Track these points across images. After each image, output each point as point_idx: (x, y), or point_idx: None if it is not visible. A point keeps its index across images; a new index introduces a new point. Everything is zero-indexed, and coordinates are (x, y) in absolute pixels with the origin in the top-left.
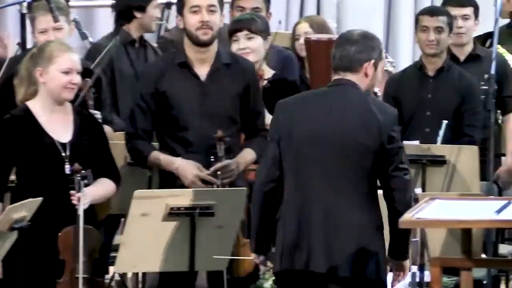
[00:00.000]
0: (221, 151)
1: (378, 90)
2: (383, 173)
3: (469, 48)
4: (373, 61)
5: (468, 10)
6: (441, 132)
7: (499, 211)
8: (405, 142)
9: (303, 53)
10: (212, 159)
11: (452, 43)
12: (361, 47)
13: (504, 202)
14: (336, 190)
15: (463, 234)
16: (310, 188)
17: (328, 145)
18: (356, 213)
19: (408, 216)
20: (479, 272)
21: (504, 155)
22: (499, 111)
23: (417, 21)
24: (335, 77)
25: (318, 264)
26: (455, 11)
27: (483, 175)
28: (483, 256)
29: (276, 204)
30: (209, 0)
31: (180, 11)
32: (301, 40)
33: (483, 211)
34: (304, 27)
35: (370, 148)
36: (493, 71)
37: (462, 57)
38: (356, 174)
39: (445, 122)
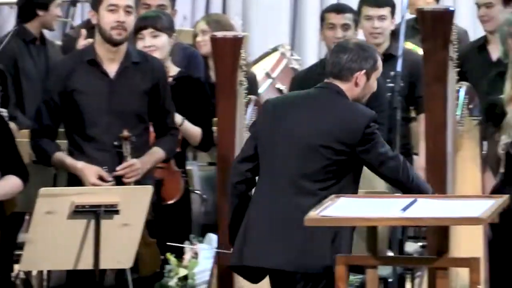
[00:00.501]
0: (127, 151)
1: (285, 87)
2: (373, 171)
3: (384, 48)
4: (364, 71)
5: (385, 11)
6: None
7: (405, 208)
8: None
9: (202, 51)
10: (118, 159)
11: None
12: (354, 56)
13: (410, 200)
14: (304, 189)
15: (369, 232)
16: (277, 185)
17: (300, 145)
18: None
19: (314, 214)
20: (385, 270)
21: (416, 154)
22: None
23: (322, 18)
24: (325, 80)
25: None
26: (371, 11)
27: None
28: (389, 254)
29: (245, 198)
30: (127, 1)
31: (95, 7)
32: (199, 38)
33: (389, 208)
34: (201, 25)
35: (343, 152)
36: (399, 68)
37: None
38: (327, 175)
39: None
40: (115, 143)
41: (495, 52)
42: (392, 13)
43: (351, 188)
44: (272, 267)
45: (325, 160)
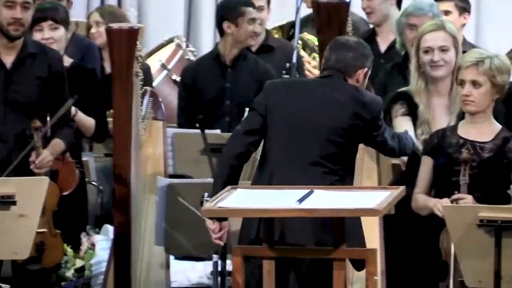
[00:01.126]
0: (38, 141)
1: (178, 78)
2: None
3: (261, 39)
4: (366, 69)
5: (262, 1)
6: None
7: (301, 200)
8: (206, 131)
9: (96, 42)
10: (29, 149)
11: None
12: (358, 54)
13: (306, 191)
14: (325, 169)
15: (265, 223)
16: (296, 164)
17: (322, 128)
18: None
19: (210, 205)
20: None
21: None
22: None
23: None
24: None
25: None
26: None
27: None
28: None
29: (239, 171)
30: None
31: None
32: (93, 30)
33: (285, 200)
34: (95, 17)
35: (357, 135)
36: (294, 60)
37: (254, 48)
38: (344, 156)
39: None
40: (27, 132)
41: (383, 43)
42: (268, 3)
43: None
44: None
45: (343, 143)
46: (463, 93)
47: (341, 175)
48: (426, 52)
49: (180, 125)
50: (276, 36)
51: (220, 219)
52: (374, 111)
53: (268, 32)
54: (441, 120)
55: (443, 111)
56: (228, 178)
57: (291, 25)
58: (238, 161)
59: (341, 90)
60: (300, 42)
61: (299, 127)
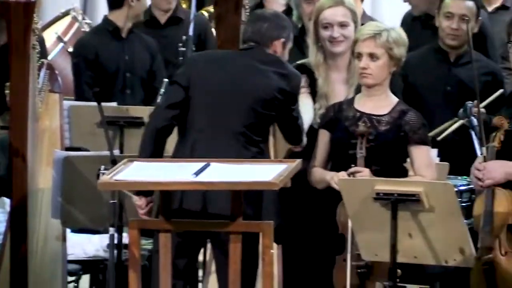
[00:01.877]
0: None
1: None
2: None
3: (171, 11)
4: (283, 39)
5: None
6: (163, 91)
7: (197, 173)
8: (103, 104)
9: None
10: None
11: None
12: (273, 25)
13: (202, 164)
14: (248, 141)
15: (162, 196)
16: (219, 135)
17: (244, 99)
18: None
19: (107, 178)
20: None
21: None
22: None
23: None
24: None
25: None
26: None
27: None
28: None
29: (162, 144)
30: None
31: None
32: None
33: (181, 173)
34: None
35: (278, 106)
36: (191, 32)
37: (163, 19)
38: (265, 128)
39: (166, 81)
40: None
41: None
42: None
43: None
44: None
45: (264, 115)
46: (360, 66)
47: (261, 147)
48: (325, 28)
49: (86, 100)
50: (184, 6)
51: (146, 194)
52: (294, 84)
53: (178, 4)
54: (339, 94)
55: (341, 85)
56: (152, 153)
57: None
58: (161, 135)
59: (264, 61)
60: (206, 14)
61: (223, 97)
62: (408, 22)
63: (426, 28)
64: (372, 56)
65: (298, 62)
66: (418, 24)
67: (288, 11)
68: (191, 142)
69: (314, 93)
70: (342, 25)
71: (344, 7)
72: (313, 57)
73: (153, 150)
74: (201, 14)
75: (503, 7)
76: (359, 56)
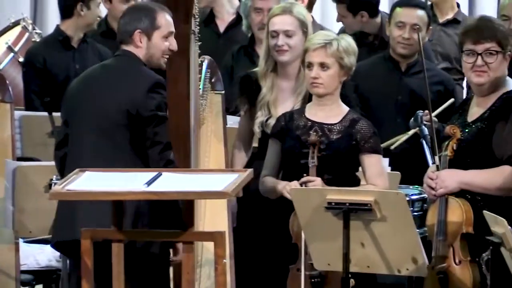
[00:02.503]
0: None
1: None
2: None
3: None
4: (138, 30)
5: None
6: None
7: (149, 182)
8: (54, 114)
9: None
10: None
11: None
12: (127, 19)
13: (154, 173)
14: (94, 160)
15: (114, 206)
16: (75, 156)
17: (89, 116)
18: None
19: (58, 188)
20: None
21: None
22: None
23: None
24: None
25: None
26: None
27: None
28: None
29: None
30: None
31: None
32: None
33: (133, 182)
34: None
35: (121, 121)
36: None
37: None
38: (110, 145)
39: None
40: None
41: (221, 24)
42: None
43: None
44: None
45: (120, 133)
46: (311, 75)
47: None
48: (272, 36)
49: (35, 109)
50: None
51: None
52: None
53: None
54: (286, 103)
55: (289, 93)
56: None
57: None
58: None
59: (120, 74)
60: None
61: (81, 122)
62: None
63: (360, 46)
64: (323, 66)
65: (246, 72)
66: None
67: (238, 20)
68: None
69: (253, 102)
70: (288, 34)
71: (291, 15)
72: (262, 65)
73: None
74: None
75: (454, 21)
76: (309, 65)
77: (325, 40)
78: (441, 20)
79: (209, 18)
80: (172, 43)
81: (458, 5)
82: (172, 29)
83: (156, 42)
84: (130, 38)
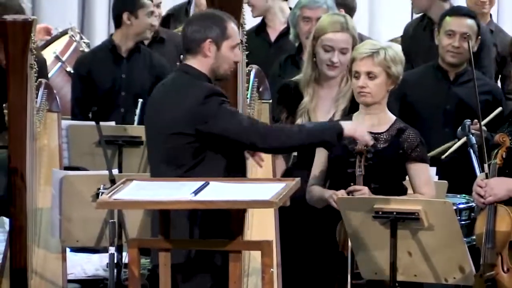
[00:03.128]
0: None
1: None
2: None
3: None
4: (209, 40)
5: None
6: (138, 112)
7: (196, 192)
8: (101, 123)
9: None
10: None
11: None
12: (197, 27)
13: (201, 183)
14: (166, 175)
15: (161, 215)
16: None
17: (154, 134)
18: None
19: (105, 198)
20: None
21: None
22: None
23: None
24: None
25: None
26: None
27: None
28: None
29: None
30: None
31: None
32: None
33: (181, 192)
34: None
35: (186, 134)
36: None
37: (147, 41)
38: (181, 161)
39: (141, 101)
40: None
41: (273, 33)
42: None
43: (219, 170)
44: None
45: (180, 145)
46: (358, 85)
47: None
48: (326, 50)
49: (74, 116)
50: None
51: None
52: (193, 105)
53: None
54: (326, 110)
55: (329, 102)
56: None
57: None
58: None
59: (176, 90)
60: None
61: (148, 136)
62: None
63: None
64: (370, 75)
65: (290, 79)
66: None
67: (289, 29)
68: None
69: (293, 110)
70: (343, 52)
71: (348, 33)
72: (307, 73)
73: None
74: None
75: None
76: (356, 74)
77: (372, 50)
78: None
79: (260, 27)
80: (238, 54)
81: (490, 15)
82: (239, 39)
83: (225, 52)
84: (199, 47)
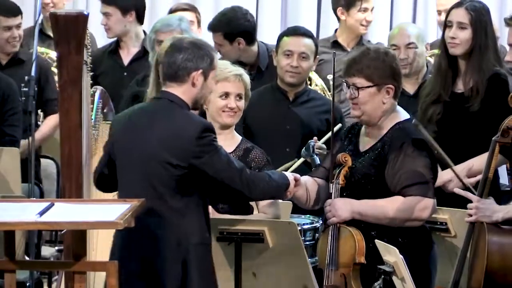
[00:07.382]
0: None
1: None
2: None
3: (13, 52)
4: (201, 70)
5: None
6: None
7: (41, 213)
8: None
9: None
10: None
11: None
12: (190, 56)
13: (46, 204)
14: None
15: (6, 236)
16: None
17: (136, 160)
18: (158, 227)
19: None
20: (22, 274)
21: None
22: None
23: None
24: (163, 88)
25: None
26: None
27: (24, 177)
28: (26, 258)
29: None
30: None
31: None
32: None
33: (25, 213)
34: None
35: (174, 166)
36: (33, 73)
37: (4, 61)
38: (160, 190)
39: None
40: None
41: (126, 57)
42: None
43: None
44: None
45: (168, 176)
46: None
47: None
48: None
49: None
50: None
51: None
52: (190, 138)
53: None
54: None
55: None
56: None
57: None
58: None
59: (163, 120)
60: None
61: (128, 166)
62: None
63: None
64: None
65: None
66: None
67: (142, 53)
68: None
69: None
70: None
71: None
72: (149, 92)
73: None
74: (41, 55)
75: None
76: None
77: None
78: None
79: (114, 50)
80: (211, 85)
81: None
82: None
83: (209, 82)
84: (188, 76)
